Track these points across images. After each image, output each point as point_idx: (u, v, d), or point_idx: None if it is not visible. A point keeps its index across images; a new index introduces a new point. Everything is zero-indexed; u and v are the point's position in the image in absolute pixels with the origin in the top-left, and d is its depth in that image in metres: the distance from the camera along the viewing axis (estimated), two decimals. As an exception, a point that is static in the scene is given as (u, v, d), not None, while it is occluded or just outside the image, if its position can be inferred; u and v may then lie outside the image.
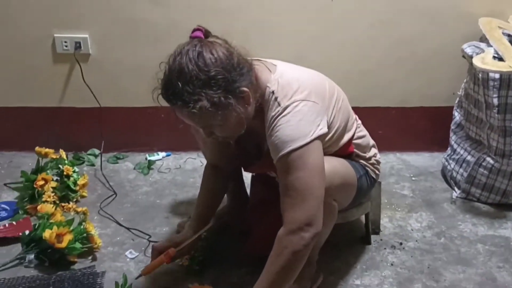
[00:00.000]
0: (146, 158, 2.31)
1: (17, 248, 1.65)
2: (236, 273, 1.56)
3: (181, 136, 2.25)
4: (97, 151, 2.30)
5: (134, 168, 2.25)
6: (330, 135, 1.33)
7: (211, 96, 1.15)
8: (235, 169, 1.71)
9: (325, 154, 1.30)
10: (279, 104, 1.23)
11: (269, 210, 1.51)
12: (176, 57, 1.17)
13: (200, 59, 1.15)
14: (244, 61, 1.23)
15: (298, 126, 1.21)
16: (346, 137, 1.40)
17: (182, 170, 2.24)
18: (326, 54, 2.18)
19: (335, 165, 1.34)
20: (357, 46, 2.18)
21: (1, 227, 1.73)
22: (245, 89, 1.20)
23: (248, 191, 1.76)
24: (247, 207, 1.69)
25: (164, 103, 1.22)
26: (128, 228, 1.81)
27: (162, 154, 2.35)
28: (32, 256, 1.58)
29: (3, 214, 1.84)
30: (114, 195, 2.02)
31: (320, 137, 1.24)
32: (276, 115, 1.23)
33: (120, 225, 1.83)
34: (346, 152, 1.42)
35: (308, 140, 1.20)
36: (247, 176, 1.76)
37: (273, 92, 1.25)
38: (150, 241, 1.72)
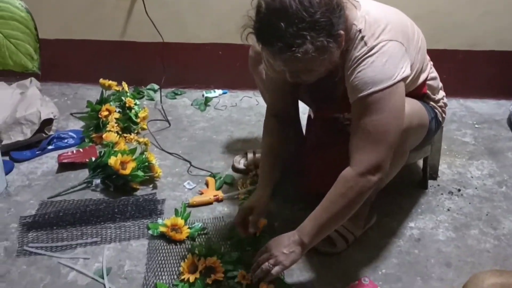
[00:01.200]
0: (203, 95, 2.35)
1: (84, 173, 1.76)
2: (290, 208, 1.59)
3: (238, 74, 2.28)
4: (156, 86, 2.36)
5: (192, 104, 2.29)
6: (410, 77, 1.27)
7: (315, 39, 1.07)
8: (294, 108, 1.69)
9: None
10: (365, 44, 1.17)
11: (327, 151, 1.51)
12: None
13: None
14: (340, 1, 1.14)
15: (382, 68, 1.15)
16: (422, 78, 1.35)
17: (238, 108, 2.26)
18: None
19: (413, 106, 1.31)
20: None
21: (69, 153, 1.84)
22: (342, 32, 1.13)
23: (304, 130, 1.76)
24: (303, 147, 1.69)
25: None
26: (170, 153, 1.90)
27: (218, 92, 2.37)
28: (98, 181, 1.68)
29: (71, 141, 1.95)
30: (170, 127, 2.09)
31: (404, 79, 1.19)
32: (361, 55, 1.17)
33: (163, 150, 1.92)
34: (420, 93, 1.38)
35: (390, 83, 1.15)
36: (302, 117, 1.76)
37: (360, 31, 1.18)
38: (191, 165, 1.81)
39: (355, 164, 1.19)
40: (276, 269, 1.21)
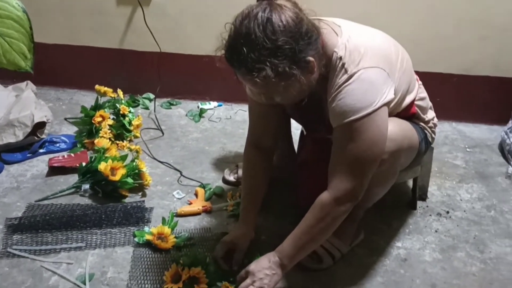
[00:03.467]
0: (198, 106, 2.36)
1: (73, 178, 1.75)
2: (279, 223, 1.59)
3: (234, 87, 2.26)
4: (151, 95, 2.37)
5: (186, 115, 2.30)
6: (395, 100, 1.28)
7: (275, 65, 1.10)
8: (284, 126, 1.69)
9: (389, 115, 1.27)
10: (345, 71, 1.18)
11: (317, 167, 1.50)
12: (244, 20, 1.11)
13: (268, 26, 1.09)
14: (313, 28, 1.16)
15: (362, 96, 1.17)
16: (408, 99, 1.36)
17: (232, 121, 2.27)
18: (393, 14, 2.09)
19: (404, 128, 1.32)
20: (428, 7, 2.08)
21: (60, 158, 1.83)
22: (310, 58, 1.15)
23: (295, 146, 1.77)
24: (295, 162, 1.69)
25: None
26: (161, 162, 1.90)
27: (213, 104, 2.39)
28: (87, 186, 1.67)
29: (63, 145, 1.95)
30: (163, 137, 2.10)
31: (387, 104, 1.20)
32: (341, 82, 1.18)
33: (154, 158, 1.93)
34: (408, 113, 1.38)
35: (370, 110, 1.16)
36: (295, 133, 1.77)
37: (340, 58, 1.19)
38: (182, 175, 1.82)
39: (331, 189, 1.23)
40: None
